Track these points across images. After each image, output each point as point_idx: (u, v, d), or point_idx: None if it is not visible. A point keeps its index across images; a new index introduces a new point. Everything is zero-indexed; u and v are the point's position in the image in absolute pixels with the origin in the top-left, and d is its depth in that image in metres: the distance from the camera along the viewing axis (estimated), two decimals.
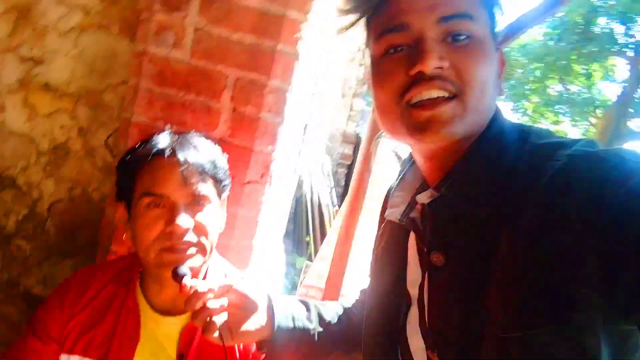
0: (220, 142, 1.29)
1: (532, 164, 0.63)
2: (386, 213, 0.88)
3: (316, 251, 3.17)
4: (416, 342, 0.77)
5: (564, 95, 11.18)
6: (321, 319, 0.99)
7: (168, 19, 1.23)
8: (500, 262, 0.62)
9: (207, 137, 1.06)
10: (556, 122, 11.60)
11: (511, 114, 12.27)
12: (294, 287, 3.30)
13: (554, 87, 11.42)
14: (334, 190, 4.08)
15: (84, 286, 1.01)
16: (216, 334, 0.81)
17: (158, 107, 1.28)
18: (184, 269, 0.87)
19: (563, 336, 0.58)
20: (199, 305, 0.81)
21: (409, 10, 0.67)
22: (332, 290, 1.52)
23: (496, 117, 0.72)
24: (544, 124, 11.45)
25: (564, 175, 0.59)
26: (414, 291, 0.78)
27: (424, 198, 0.74)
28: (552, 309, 0.57)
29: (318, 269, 1.65)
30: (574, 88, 11.17)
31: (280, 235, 2.00)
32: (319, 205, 3.57)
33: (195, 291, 0.82)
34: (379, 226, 0.94)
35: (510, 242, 0.61)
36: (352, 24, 0.77)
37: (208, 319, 0.81)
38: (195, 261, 0.95)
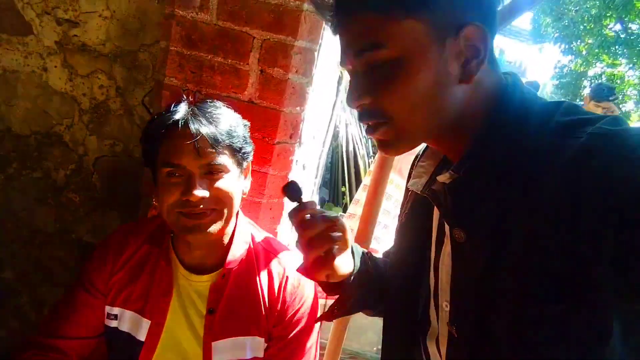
0: (249, 104, 1.32)
1: (553, 142, 0.62)
2: (409, 183, 0.87)
3: (351, 202, 3.23)
4: (432, 314, 0.80)
5: (622, 35, 10.26)
6: (376, 266, 0.98)
7: None
8: (518, 240, 0.62)
9: (227, 105, 1.07)
10: (613, 65, 10.78)
11: (562, 56, 11.46)
12: None
13: (612, 27, 10.48)
14: (369, 140, 4.06)
15: (122, 246, 1.10)
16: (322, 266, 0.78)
17: (188, 70, 1.30)
18: (298, 185, 0.81)
19: (576, 313, 0.59)
20: (317, 233, 0.76)
21: None
22: (361, 246, 1.56)
23: (509, 95, 0.69)
24: (599, 67, 10.68)
25: (584, 154, 0.58)
26: (432, 260, 0.80)
27: (444, 178, 0.74)
28: (566, 287, 0.58)
29: (349, 225, 1.70)
30: (634, 27, 10.23)
31: (315, 187, 2.05)
32: (355, 156, 3.57)
33: (323, 218, 0.77)
34: (406, 193, 0.94)
35: (529, 221, 0.61)
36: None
37: (327, 250, 0.77)
38: (213, 227, 1.00)
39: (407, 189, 0.95)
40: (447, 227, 0.74)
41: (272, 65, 1.27)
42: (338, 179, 3.62)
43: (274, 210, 1.42)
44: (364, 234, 1.53)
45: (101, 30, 1.59)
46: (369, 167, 3.54)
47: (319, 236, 0.76)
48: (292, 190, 0.80)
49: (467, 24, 0.63)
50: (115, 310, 1.07)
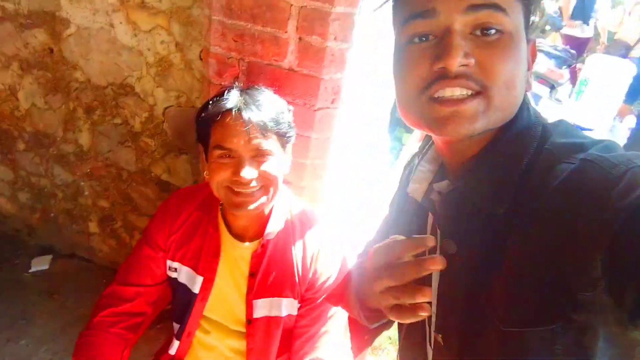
0: (289, 71, 1.33)
1: (547, 165, 0.62)
2: (409, 189, 0.85)
3: None
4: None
5: None
6: None
7: None
8: (508, 258, 0.64)
9: (274, 93, 1.12)
10: None
11: None
12: (396, 160, 3.41)
13: None
14: None
15: (178, 210, 1.24)
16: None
17: (230, 38, 1.33)
18: None
19: (563, 335, 0.61)
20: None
21: None
22: None
23: (521, 112, 0.68)
24: None
25: (575, 180, 0.58)
26: None
27: (441, 187, 0.76)
28: (554, 308, 0.60)
29: None
30: None
31: (377, 135, 2.05)
32: None
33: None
34: (400, 184, 0.95)
35: (520, 240, 0.63)
36: (385, 2, 0.72)
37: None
38: (258, 204, 1.10)
39: (401, 181, 0.95)
40: (438, 236, 0.76)
41: (310, 33, 1.25)
42: None
43: (318, 170, 1.48)
44: None
45: None
46: None
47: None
48: None
49: (531, 39, 0.67)
50: (175, 264, 1.25)
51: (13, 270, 2.36)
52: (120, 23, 1.76)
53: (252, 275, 1.17)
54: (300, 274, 1.17)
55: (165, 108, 1.89)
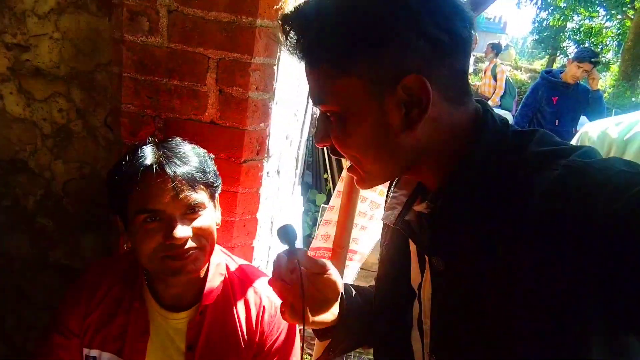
0: (211, 125, 1.28)
1: (528, 174, 0.61)
2: (383, 216, 0.88)
3: (334, 188, 3.21)
4: (416, 343, 0.80)
5: None
6: (367, 301, 0.97)
7: (139, 3, 1.16)
8: (497, 273, 0.63)
9: (191, 142, 1.05)
10: (591, 17, 10.70)
11: (540, 11, 11.33)
12: (314, 224, 3.39)
13: None
14: None
15: (94, 286, 1.08)
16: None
17: (144, 95, 1.26)
18: (293, 229, 0.82)
19: (556, 347, 0.59)
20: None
21: None
22: (339, 251, 1.56)
23: (482, 124, 0.68)
24: (577, 20, 10.59)
25: (557, 189, 0.58)
26: (415, 288, 0.80)
27: (421, 208, 0.74)
28: (545, 323, 0.59)
29: (325, 231, 1.70)
30: None
31: (297, 178, 2.02)
32: None
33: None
34: (383, 224, 0.94)
35: (507, 254, 0.61)
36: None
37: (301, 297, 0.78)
38: (198, 264, 0.99)
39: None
40: (426, 256, 0.75)
41: (231, 85, 1.23)
42: (320, 165, 3.59)
43: (248, 227, 1.40)
44: (341, 240, 1.53)
45: (53, 52, 1.53)
46: None
47: (290, 290, 0.78)
48: (285, 235, 0.82)
49: (406, 73, 0.61)
50: (93, 352, 1.06)
51: None
52: (11, 93, 1.59)
53: (189, 349, 1.04)
54: (245, 338, 1.05)
55: (66, 182, 1.70)
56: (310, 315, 0.82)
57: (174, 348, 1.04)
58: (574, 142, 1.46)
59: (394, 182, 0.89)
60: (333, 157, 3.42)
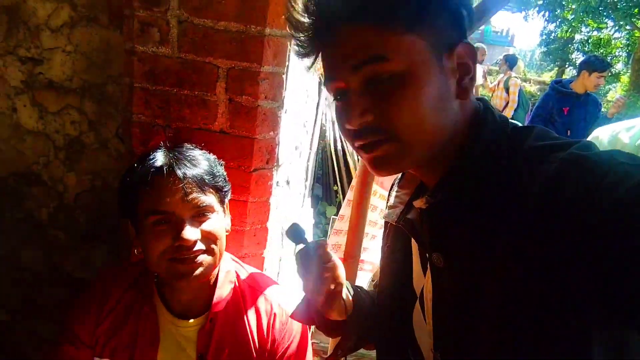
0: (221, 134, 1.29)
1: (526, 168, 0.62)
2: (385, 215, 0.89)
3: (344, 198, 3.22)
4: (425, 342, 0.79)
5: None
6: (372, 302, 0.98)
7: (149, 15, 1.18)
8: (496, 267, 0.62)
9: (201, 148, 1.06)
10: (599, 29, 10.67)
11: (548, 23, 11.33)
12: (325, 236, 3.38)
13: None
14: None
15: (105, 294, 1.08)
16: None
17: (155, 105, 1.27)
18: (299, 227, 0.86)
19: (557, 341, 0.59)
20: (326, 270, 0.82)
21: None
22: (350, 261, 1.55)
23: (484, 118, 0.69)
24: (585, 32, 10.56)
25: (556, 181, 0.58)
26: (418, 288, 0.80)
27: (420, 203, 0.74)
28: (547, 313, 0.58)
29: (336, 241, 1.69)
30: None
31: (307, 190, 2.02)
32: (344, 154, 3.54)
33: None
34: (385, 225, 0.93)
35: (506, 248, 0.61)
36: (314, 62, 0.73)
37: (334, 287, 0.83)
38: (207, 269, 0.99)
39: (386, 221, 0.94)
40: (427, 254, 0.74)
41: (240, 94, 1.24)
42: (329, 177, 3.59)
43: (258, 236, 1.40)
44: (352, 249, 1.51)
45: (66, 65, 1.55)
46: (358, 161, 3.52)
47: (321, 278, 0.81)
48: (294, 233, 0.83)
49: (459, 41, 0.64)
50: None
51: None
52: (25, 106, 1.62)
53: (200, 357, 1.03)
54: (257, 346, 1.04)
55: (78, 194, 1.72)
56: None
57: (185, 356, 1.03)
58: None
59: (397, 181, 0.90)
60: (342, 168, 3.43)
